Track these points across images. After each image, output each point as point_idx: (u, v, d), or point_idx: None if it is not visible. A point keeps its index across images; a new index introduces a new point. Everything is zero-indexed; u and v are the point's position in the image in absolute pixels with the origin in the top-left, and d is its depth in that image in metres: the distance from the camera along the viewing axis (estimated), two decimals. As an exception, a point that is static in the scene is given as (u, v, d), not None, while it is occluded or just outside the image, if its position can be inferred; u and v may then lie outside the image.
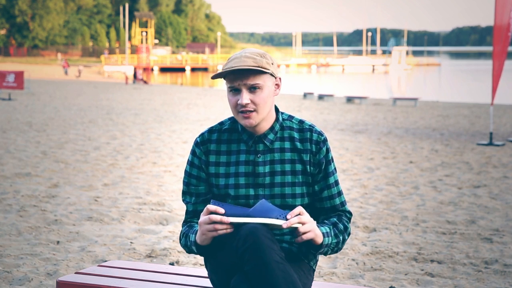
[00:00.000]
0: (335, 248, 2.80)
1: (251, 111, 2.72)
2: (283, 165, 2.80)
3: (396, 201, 7.69)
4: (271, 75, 2.76)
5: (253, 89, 2.71)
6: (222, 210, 2.57)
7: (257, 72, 2.71)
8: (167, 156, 11.10)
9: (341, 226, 2.81)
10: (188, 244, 2.79)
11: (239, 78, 2.70)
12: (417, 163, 10.85)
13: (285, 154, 2.81)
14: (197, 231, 2.72)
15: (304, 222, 2.60)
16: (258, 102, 2.72)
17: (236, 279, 2.57)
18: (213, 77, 2.75)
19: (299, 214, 2.60)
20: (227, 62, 2.73)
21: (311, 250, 2.76)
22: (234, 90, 2.73)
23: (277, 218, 2.57)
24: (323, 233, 2.71)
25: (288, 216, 2.58)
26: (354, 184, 8.77)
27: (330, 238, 2.74)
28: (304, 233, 2.61)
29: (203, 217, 2.60)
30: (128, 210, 6.87)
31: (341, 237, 2.80)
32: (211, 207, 2.57)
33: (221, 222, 2.56)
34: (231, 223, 2.56)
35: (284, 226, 2.55)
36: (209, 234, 2.60)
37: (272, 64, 2.76)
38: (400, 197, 8.00)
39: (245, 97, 2.70)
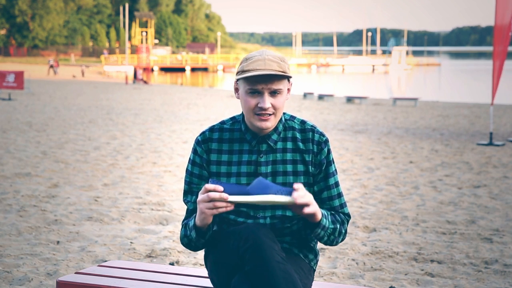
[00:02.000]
0: (331, 236, 2.77)
1: (270, 114, 2.72)
2: (285, 166, 2.80)
3: (396, 201, 7.69)
4: (288, 80, 2.77)
5: (274, 93, 2.71)
6: (221, 188, 2.54)
7: (282, 77, 2.71)
8: (167, 156, 11.10)
9: (338, 217, 2.82)
10: (187, 233, 2.76)
11: (263, 81, 2.69)
12: (417, 163, 10.85)
13: (287, 154, 2.81)
14: (196, 216, 2.69)
15: (309, 203, 2.59)
16: (278, 106, 2.72)
17: (237, 279, 2.57)
18: (238, 78, 2.72)
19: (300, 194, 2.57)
20: (249, 63, 2.70)
21: (308, 229, 2.75)
22: (255, 93, 2.71)
23: (276, 194, 2.55)
24: (322, 213, 2.71)
25: (294, 194, 2.54)
26: (354, 184, 8.77)
27: (327, 221, 2.73)
28: (308, 205, 2.58)
29: (201, 196, 2.57)
30: (128, 210, 6.87)
31: (338, 226, 2.79)
32: (209, 186, 2.54)
33: (220, 200, 2.53)
34: (231, 202, 2.53)
35: (298, 201, 2.52)
36: (208, 212, 2.56)
37: (289, 68, 2.77)
38: (400, 197, 8.00)
39: (267, 101, 2.69)
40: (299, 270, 2.73)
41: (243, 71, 2.70)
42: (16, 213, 6.55)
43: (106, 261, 4.95)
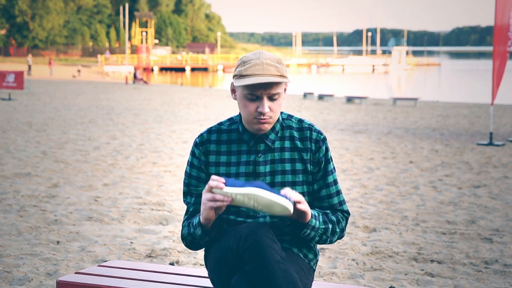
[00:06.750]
0: (323, 236, 2.77)
1: (267, 118, 2.72)
2: (283, 165, 2.80)
3: (396, 201, 7.69)
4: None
5: (273, 97, 2.71)
6: (222, 179, 2.56)
7: (280, 82, 2.70)
8: (167, 156, 11.10)
9: (333, 217, 2.81)
10: (191, 231, 2.76)
11: (263, 88, 2.68)
12: (417, 163, 10.85)
13: (285, 153, 2.81)
14: (199, 215, 2.71)
15: (301, 201, 2.63)
16: (276, 109, 2.73)
17: (237, 279, 2.57)
18: (236, 84, 2.70)
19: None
20: (246, 67, 2.68)
21: (296, 229, 2.74)
22: (254, 97, 2.70)
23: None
24: (312, 214, 2.71)
25: (281, 193, 2.58)
26: (354, 184, 8.77)
27: (317, 222, 2.73)
28: (299, 203, 2.61)
29: (205, 188, 2.61)
30: (128, 210, 6.87)
31: (330, 226, 2.78)
32: (212, 183, 2.56)
33: (217, 187, 2.54)
34: (231, 195, 2.53)
35: (290, 201, 2.55)
36: (208, 204, 2.59)
37: (286, 70, 2.75)
38: (400, 197, 8.00)
39: (266, 106, 2.69)
40: (299, 270, 2.73)
41: (241, 75, 2.69)
42: (16, 213, 6.55)
43: (106, 261, 4.95)
